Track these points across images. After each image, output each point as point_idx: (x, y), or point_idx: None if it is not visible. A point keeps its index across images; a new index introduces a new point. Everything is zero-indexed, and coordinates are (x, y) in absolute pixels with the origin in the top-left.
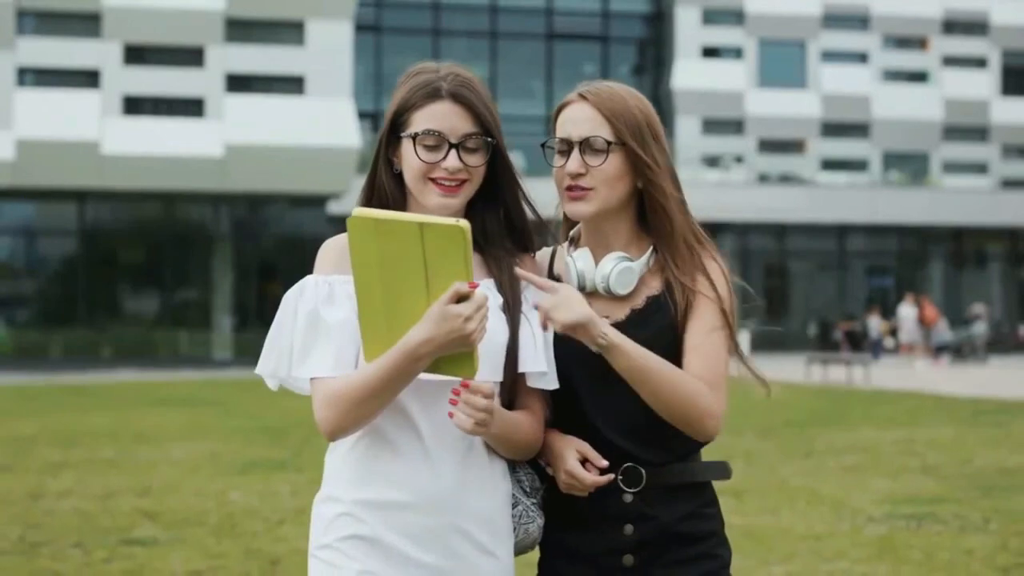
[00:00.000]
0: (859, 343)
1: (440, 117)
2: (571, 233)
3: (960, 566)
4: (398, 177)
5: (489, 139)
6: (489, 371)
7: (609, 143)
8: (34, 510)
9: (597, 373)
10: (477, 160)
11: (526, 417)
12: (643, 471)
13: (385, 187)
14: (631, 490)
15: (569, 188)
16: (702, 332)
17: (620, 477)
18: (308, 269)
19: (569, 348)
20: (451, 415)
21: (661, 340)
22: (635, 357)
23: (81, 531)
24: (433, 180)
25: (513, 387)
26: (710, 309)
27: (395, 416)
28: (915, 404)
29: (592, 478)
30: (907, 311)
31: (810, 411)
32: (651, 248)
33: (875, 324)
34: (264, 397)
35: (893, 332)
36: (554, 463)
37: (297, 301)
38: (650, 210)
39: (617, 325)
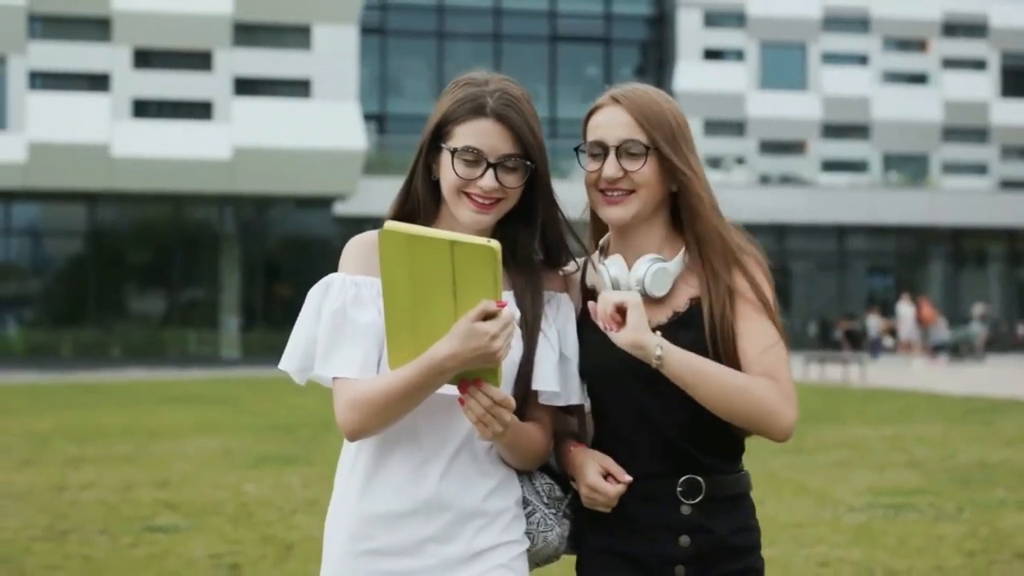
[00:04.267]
0: (859, 342)
1: (481, 135)
2: (600, 242)
3: (930, 551)
4: (434, 184)
5: (529, 163)
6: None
7: (647, 148)
8: (59, 501)
9: (646, 377)
10: (514, 181)
11: (535, 429)
12: (702, 482)
13: (419, 193)
14: (690, 502)
15: (604, 192)
16: (760, 346)
17: (680, 489)
18: (314, 269)
19: (614, 355)
20: (462, 402)
21: (706, 341)
22: (696, 369)
23: (106, 520)
24: (467, 195)
25: (524, 400)
26: (760, 319)
27: (399, 423)
28: (908, 402)
29: (615, 489)
30: (905, 310)
31: (805, 409)
32: (683, 248)
33: (874, 323)
34: (273, 395)
35: (892, 331)
36: (576, 477)
37: (323, 299)
38: (684, 215)
39: (659, 328)
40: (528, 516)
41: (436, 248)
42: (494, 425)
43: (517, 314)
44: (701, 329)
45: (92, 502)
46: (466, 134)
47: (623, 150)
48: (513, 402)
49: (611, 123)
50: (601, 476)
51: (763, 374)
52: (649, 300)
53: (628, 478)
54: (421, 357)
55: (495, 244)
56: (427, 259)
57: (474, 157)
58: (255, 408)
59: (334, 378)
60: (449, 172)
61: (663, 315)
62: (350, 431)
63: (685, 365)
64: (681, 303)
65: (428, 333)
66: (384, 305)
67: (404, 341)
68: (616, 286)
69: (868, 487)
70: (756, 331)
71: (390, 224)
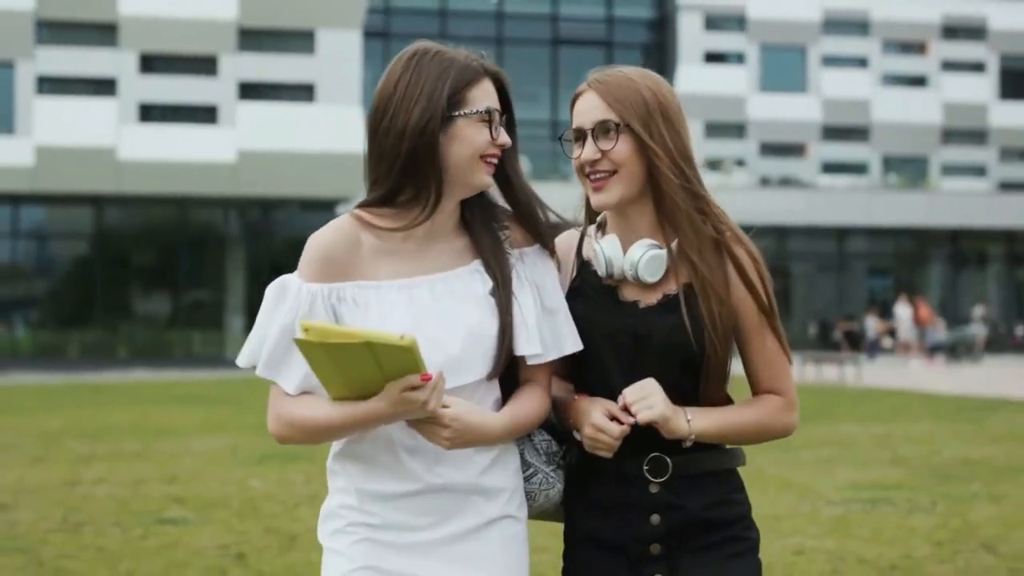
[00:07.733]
0: (858, 343)
1: (490, 94)
2: (598, 219)
3: (901, 541)
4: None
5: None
6: (479, 365)
7: (617, 124)
8: (72, 496)
9: (627, 357)
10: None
11: (529, 393)
12: (669, 461)
13: (428, 173)
14: (657, 480)
15: (590, 177)
16: (763, 360)
17: (646, 467)
18: None
19: (598, 330)
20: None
21: (695, 327)
22: (721, 432)
23: (118, 513)
24: (483, 158)
25: (513, 365)
26: (757, 324)
27: None
28: (900, 402)
29: (619, 428)
30: (903, 311)
31: (799, 408)
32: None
33: (872, 324)
34: None
35: (891, 332)
36: (580, 421)
37: (275, 305)
38: (656, 197)
39: (648, 310)
40: (531, 478)
41: (354, 349)
42: (437, 440)
43: (488, 284)
44: (689, 315)
45: (104, 497)
46: (480, 97)
47: (598, 131)
48: (444, 416)
49: (587, 108)
50: (606, 418)
51: (769, 389)
52: (641, 284)
53: (631, 419)
54: (358, 408)
55: (409, 341)
56: (348, 356)
57: (492, 118)
58: (259, 407)
59: (272, 384)
60: (481, 136)
61: (653, 297)
62: (278, 439)
63: (713, 434)
64: (672, 287)
65: (365, 394)
66: (320, 382)
67: (343, 395)
68: (609, 267)
69: (849, 482)
70: (758, 341)
71: (304, 330)
